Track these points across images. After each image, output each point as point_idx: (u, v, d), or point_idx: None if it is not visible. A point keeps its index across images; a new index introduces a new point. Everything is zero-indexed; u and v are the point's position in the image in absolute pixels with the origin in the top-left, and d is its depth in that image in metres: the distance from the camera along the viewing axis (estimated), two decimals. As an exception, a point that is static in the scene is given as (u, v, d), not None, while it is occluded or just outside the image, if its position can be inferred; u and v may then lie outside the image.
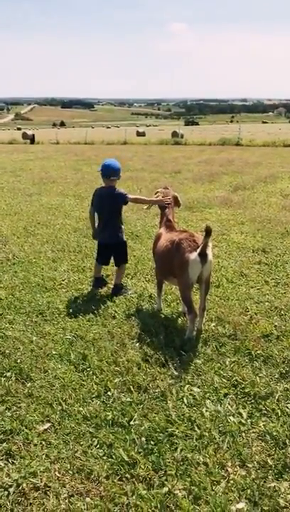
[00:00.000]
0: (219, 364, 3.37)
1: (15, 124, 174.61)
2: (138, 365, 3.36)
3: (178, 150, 22.62)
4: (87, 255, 5.99)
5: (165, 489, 2.27)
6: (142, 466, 2.42)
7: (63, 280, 5.15)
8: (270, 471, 2.38)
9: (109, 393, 3.06)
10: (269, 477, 2.35)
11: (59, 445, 2.61)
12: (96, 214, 4.82)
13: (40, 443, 2.63)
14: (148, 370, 3.30)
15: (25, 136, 37.21)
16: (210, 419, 2.76)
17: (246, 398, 2.98)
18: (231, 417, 2.78)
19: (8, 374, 3.32)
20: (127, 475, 2.38)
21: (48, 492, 2.29)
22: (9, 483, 2.34)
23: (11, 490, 2.31)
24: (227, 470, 2.39)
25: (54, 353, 3.60)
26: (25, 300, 4.62)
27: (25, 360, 3.49)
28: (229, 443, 2.58)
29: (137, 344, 3.67)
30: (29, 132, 40.28)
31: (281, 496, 2.23)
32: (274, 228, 7.16)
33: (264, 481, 2.32)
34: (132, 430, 2.69)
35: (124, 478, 2.36)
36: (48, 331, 3.96)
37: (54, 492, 2.29)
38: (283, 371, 3.27)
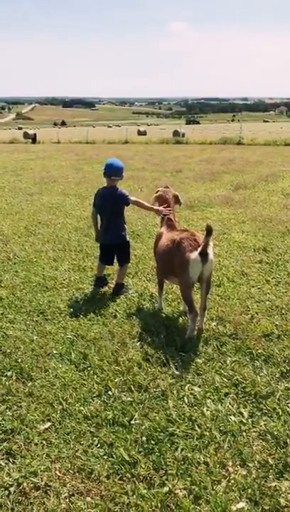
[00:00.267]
0: (220, 363, 3.37)
1: (17, 123, 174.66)
2: (139, 365, 3.36)
3: (179, 149, 22.59)
4: (88, 254, 5.99)
5: (166, 489, 2.27)
6: (143, 466, 2.42)
7: (64, 279, 5.15)
8: (271, 471, 2.38)
9: (109, 392, 3.06)
10: (270, 476, 2.34)
11: (59, 444, 2.61)
12: (98, 215, 4.81)
13: (41, 442, 2.64)
14: (149, 369, 3.30)
15: (26, 135, 37.20)
16: (211, 419, 2.76)
17: (247, 397, 2.98)
18: (232, 417, 2.78)
19: (9, 373, 3.32)
20: (128, 474, 2.38)
21: (49, 491, 2.30)
22: (10, 483, 2.35)
23: (12, 489, 2.31)
24: (227, 469, 2.39)
25: (55, 352, 3.60)
26: (26, 299, 4.62)
27: (25, 359, 3.50)
28: (229, 442, 2.57)
29: (138, 343, 3.67)
30: (30, 132, 40.29)
31: (282, 495, 2.23)
32: (275, 227, 7.15)
33: (265, 481, 2.31)
34: (133, 429, 2.70)
35: (124, 478, 2.36)
36: (49, 330, 3.97)
37: (54, 491, 2.29)
38: (284, 370, 3.27)
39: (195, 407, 2.88)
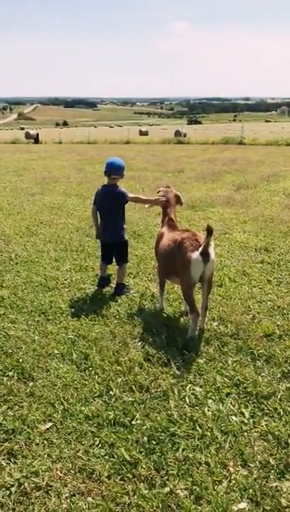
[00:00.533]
0: (221, 363, 3.37)
1: (18, 123, 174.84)
2: (140, 365, 3.36)
3: (180, 149, 22.58)
4: (90, 254, 6.00)
5: (167, 489, 2.27)
6: (144, 466, 2.42)
7: (66, 279, 5.15)
8: (272, 471, 2.38)
9: (111, 393, 3.06)
10: (271, 477, 2.34)
11: (61, 445, 2.61)
12: (98, 213, 4.81)
13: (42, 442, 2.64)
14: (150, 369, 3.30)
15: (28, 135, 37.22)
16: (212, 419, 2.76)
17: (248, 398, 2.97)
18: (233, 417, 2.77)
19: (11, 373, 3.32)
20: (129, 475, 2.38)
21: (50, 491, 2.30)
22: (11, 483, 2.35)
23: (13, 489, 2.31)
24: (228, 470, 2.39)
25: (56, 352, 3.60)
26: (27, 299, 4.62)
27: (27, 359, 3.50)
28: (231, 442, 2.57)
29: (139, 344, 3.67)
30: (32, 132, 40.31)
31: (283, 495, 2.22)
32: (276, 227, 7.14)
33: (266, 481, 2.31)
34: (134, 430, 2.70)
35: (125, 478, 2.36)
36: (50, 330, 3.97)
37: (55, 491, 2.29)
38: (286, 370, 3.26)
39: (197, 407, 2.88)
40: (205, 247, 3.55)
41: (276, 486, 2.27)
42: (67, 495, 2.27)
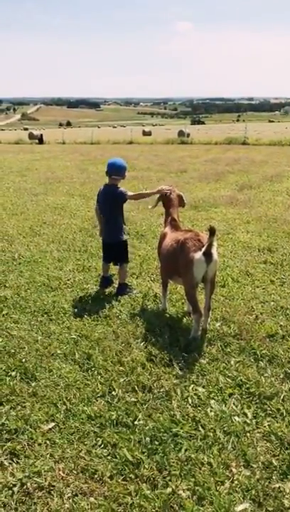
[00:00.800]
0: (224, 364, 3.36)
1: (22, 124, 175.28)
2: (143, 365, 3.36)
3: (184, 149, 22.58)
4: (93, 255, 6.00)
5: (169, 489, 2.27)
6: (146, 466, 2.42)
7: (68, 280, 5.16)
8: (275, 472, 2.37)
9: (113, 393, 3.06)
10: (274, 478, 2.33)
11: (63, 445, 2.62)
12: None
13: (45, 442, 2.64)
14: (153, 369, 3.30)
15: (31, 136, 37.27)
16: (215, 419, 2.76)
17: (251, 398, 2.97)
18: (236, 417, 2.77)
19: (13, 373, 3.33)
20: (131, 475, 2.38)
21: (52, 491, 2.30)
22: (13, 483, 2.35)
23: (15, 489, 2.31)
24: (231, 470, 2.38)
25: (59, 352, 3.60)
26: (30, 299, 4.63)
27: (30, 359, 3.50)
28: (233, 443, 2.57)
29: (142, 344, 3.67)
30: (35, 132, 40.34)
31: (286, 496, 2.22)
32: (279, 227, 7.12)
33: (269, 482, 2.30)
34: (136, 430, 2.69)
35: (128, 478, 2.36)
36: (53, 330, 3.97)
37: (58, 491, 2.29)
38: (289, 371, 3.25)
39: (199, 408, 2.88)
40: (208, 247, 3.55)
41: (279, 487, 2.27)
42: (69, 495, 2.27)
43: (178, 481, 2.32)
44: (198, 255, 3.58)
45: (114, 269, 5.13)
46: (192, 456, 2.47)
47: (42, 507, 2.22)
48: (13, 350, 3.64)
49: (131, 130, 34.06)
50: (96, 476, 2.39)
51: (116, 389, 3.09)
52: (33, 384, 3.20)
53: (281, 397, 2.95)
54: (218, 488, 2.27)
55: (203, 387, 3.09)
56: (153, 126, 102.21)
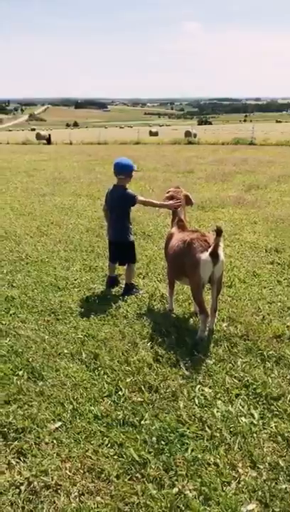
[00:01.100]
0: (230, 364, 3.35)
1: (29, 124, 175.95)
2: (150, 365, 3.36)
3: (191, 150, 22.55)
4: (100, 255, 6.01)
5: (176, 489, 2.27)
6: (153, 466, 2.42)
7: (75, 280, 5.17)
8: (281, 473, 2.37)
9: (120, 393, 3.06)
10: (280, 479, 2.33)
11: (70, 444, 2.62)
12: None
13: (52, 442, 2.65)
14: (160, 369, 3.30)
15: (39, 136, 37.43)
16: (221, 420, 2.75)
17: (257, 399, 2.96)
18: (242, 418, 2.77)
19: (20, 372, 3.34)
20: (138, 474, 2.38)
21: (59, 490, 2.31)
22: (21, 481, 2.36)
23: (23, 488, 2.33)
24: (237, 471, 2.38)
25: (66, 352, 3.62)
26: (37, 299, 4.65)
27: (37, 358, 3.52)
28: (240, 444, 2.56)
29: (148, 344, 3.67)
30: (43, 133, 40.51)
31: (293, 497, 2.21)
32: (287, 228, 7.10)
33: (275, 483, 2.30)
34: (143, 430, 2.70)
35: (134, 478, 2.36)
36: (60, 330, 3.99)
37: (65, 490, 2.30)
38: (296, 372, 3.24)
39: (206, 408, 2.88)
40: (215, 247, 3.54)
41: (286, 488, 2.26)
42: (76, 494, 2.28)
43: (185, 481, 2.32)
44: (205, 256, 3.57)
45: (120, 269, 5.14)
46: (199, 456, 2.47)
47: (49, 506, 2.23)
48: (20, 350, 3.66)
49: (138, 130, 34.10)
50: (102, 475, 2.39)
51: (122, 389, 3.10)
52: (40, 383, 3.21)
53: (288, 398, 2.94)
54: (225, 488, 2.27)
55: (210, 387, 3.09)
56: (160, 126, 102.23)
